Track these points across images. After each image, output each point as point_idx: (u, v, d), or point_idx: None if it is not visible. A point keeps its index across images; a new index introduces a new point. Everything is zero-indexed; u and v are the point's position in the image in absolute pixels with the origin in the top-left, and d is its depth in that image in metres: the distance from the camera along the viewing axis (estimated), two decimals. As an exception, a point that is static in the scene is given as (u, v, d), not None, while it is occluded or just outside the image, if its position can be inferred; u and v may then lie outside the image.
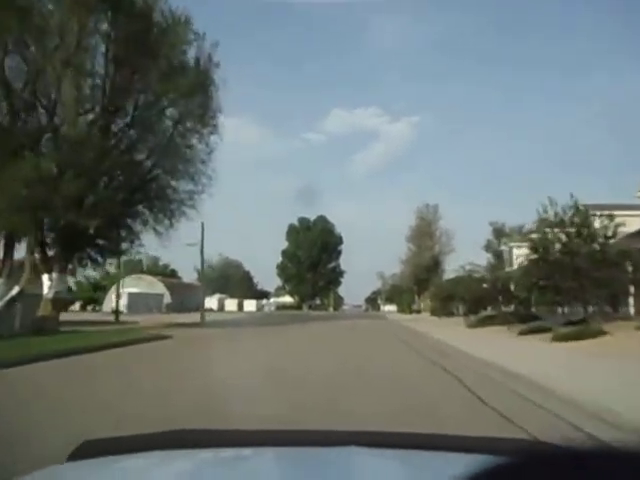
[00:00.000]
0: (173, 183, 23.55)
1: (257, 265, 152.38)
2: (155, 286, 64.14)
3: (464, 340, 16.71)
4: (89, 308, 64.30)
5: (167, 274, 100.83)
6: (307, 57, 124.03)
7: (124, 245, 22.92)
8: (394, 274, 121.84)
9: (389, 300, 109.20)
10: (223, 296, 73.76)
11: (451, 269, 57.16)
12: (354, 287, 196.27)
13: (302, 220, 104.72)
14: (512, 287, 25.83)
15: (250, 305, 73.61)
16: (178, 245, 27.35)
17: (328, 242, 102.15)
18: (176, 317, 37.49)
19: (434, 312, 45.49)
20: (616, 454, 0.48)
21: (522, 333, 18.06)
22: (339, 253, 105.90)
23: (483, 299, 27.73)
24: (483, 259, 38.38)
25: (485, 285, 26.48)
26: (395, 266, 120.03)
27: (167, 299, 62.22)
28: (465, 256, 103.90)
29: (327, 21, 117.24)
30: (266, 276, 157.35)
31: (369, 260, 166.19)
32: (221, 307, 71.06)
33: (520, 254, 26.33)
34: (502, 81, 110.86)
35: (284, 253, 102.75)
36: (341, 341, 18.32)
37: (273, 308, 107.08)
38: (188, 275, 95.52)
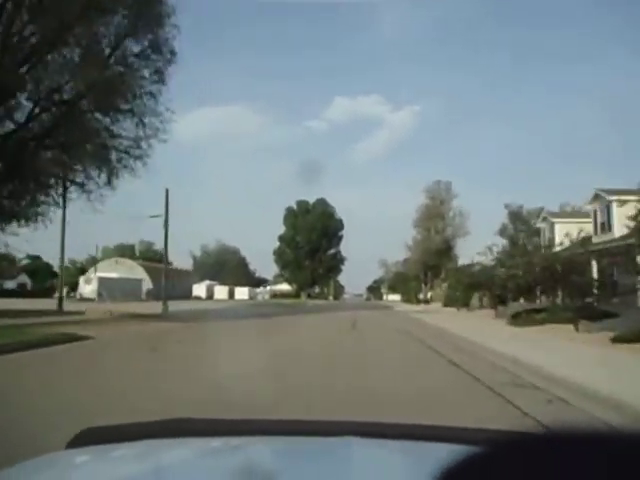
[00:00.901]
0: (109, 124, 16.97)
1: (255, 252, 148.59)
2: (135, 271, 57.86)
3: (561, 360, 9.12)
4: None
5: (157, 259, 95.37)
6: (309, 45, 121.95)
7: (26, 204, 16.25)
8: (397, 262, 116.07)
9: (392, 289, 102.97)
10: (212, 283, 67.35)
11: (466, 254, 50.96)
12: (355, 275, 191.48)
13: (300, 203, 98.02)
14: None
15: (242, 293, 67.08)
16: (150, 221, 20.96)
17: (328, 227, 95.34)
18: (146, 306, 31.69)
19: (449, 303, 39.22)
20: (598, 439, 0.48)
21: (620, 340, 11.57)
22: (340, 239, 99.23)
23: (529, 288, 21.30)
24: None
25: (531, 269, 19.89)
26: (399, 253, 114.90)
27: (149, 285, 55.91)
28: (477, 242, 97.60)
29: (329, 9, 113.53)
30: (264, 264, 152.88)
31: (371, 248, 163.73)
32: (210, 295, 64.79)
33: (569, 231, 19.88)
34: (503, 69, 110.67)
35: (281, 238, 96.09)
36: (340, 353, 11.79)
37: (267, 296, 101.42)
38: (186, 261, 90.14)
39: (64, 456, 1.11)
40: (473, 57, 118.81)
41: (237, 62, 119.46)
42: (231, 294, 66.56)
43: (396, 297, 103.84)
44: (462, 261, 44.80)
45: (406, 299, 68.72)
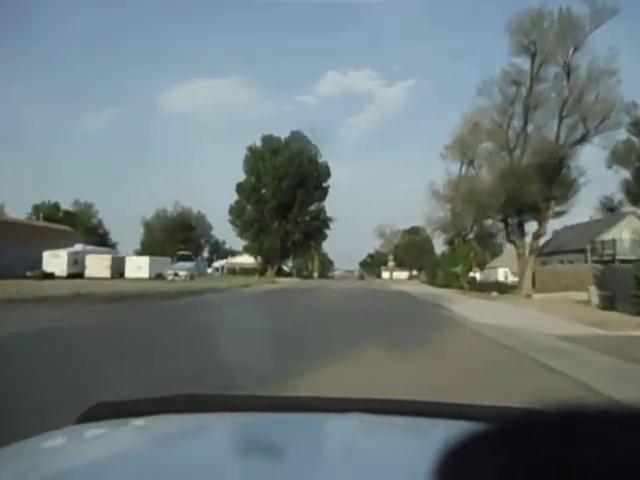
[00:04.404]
0: None
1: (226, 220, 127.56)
2: None
3: None
4: None
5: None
6: (301, 18, 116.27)
7: None
8: (398, 231, 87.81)
9: (400, 264, 73.83)
10: (84, 249, 37.67)
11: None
12: (346, 247, 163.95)
13: (267, 140, 68.26)
14: None
15: (138, 267, 37.24)
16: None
17: (307, 172, 66.07)
18: None
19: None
20: (607, 414, 0.49)
21: None
22: (325, 192, 69.81)
23: None
24: None
25: None
26: (399, 222, 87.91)
27: None
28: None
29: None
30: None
31: (363, 219, 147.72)
32: (79, 270, 35.52)
33: None
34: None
35: (240, 189, 66.87)
36: None
37: (220, 273, 72.66)
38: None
39: (74, 431, 1.11)
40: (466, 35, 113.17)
41: (224, 34, 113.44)
42: (118, 268, 37.08)
43: (402, 275, 75.42)
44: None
45: (431, 280, 39.86)
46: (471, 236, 41.78)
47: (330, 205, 71.41)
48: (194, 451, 1.00)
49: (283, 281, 47.83)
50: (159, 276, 37.06)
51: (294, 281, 50.22)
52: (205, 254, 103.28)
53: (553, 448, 0.43)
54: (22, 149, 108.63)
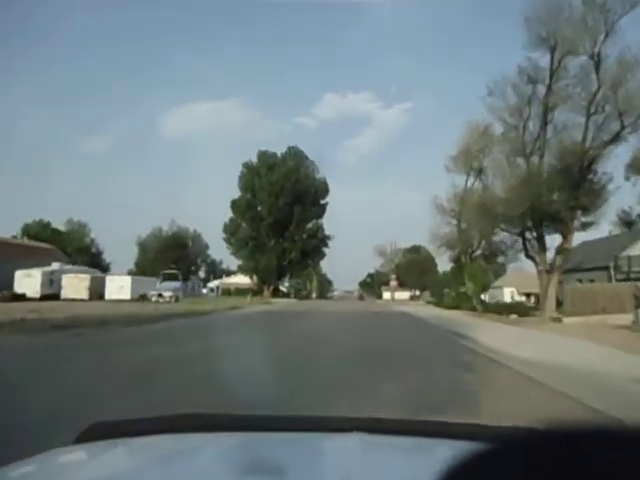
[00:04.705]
0: None
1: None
2: None
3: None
4: None
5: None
6: (299, 40, 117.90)
7: None
8: (399, 250, 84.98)
9: (401, 284, 70.58)
10: (62, 268, 34.66)
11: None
12: (345, 267, 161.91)
13: (263, 155, 65.84)
14: None
15: (120, 288, 33.99)
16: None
17: (305, 188, 63.52)
18: None
19: None
20: (608, 434, 0.48)
21: None
22: (322, 209, 67.19)
23: None
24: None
25: None
26: (399, 240, 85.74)
27: None
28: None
29: (319, 5, 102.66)
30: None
31: (363, 239, 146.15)
32: (54, 291, 32.47)
33: None
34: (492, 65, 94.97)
35: (234, 205, 64.16)
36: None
37: (215, 293, 69.71)
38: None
39: (73, 450, 1.11)
40: (464, 52, 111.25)
41: (224, 57, 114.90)
42: (98, 289, 33.98)
43: (404, 295, 72.28)
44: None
45: (439, 301, 36.86)
46: (479, 252, 38.95)
47: (329, 225, 68.69)
48: (191, 471, 1.00)
49: (278, 302, 44.81)
50: (143, 297, 34.04)
51: (290, 302, 47.20)
52: (202, 274, 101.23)
53: (554, 467, 0.43)
54: (15, 168, 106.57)
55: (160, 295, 33.94)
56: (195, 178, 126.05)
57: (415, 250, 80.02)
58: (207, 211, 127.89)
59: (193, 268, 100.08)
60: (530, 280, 33.60)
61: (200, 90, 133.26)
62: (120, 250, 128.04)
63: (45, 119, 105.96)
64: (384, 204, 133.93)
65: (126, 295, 33.94)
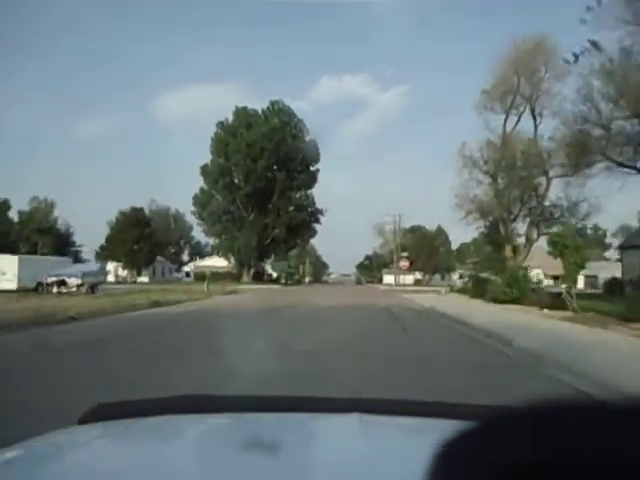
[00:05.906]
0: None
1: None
2: None
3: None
4: None
5: None
6: (295, 23, 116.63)
7: None
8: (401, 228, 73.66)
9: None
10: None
11: None
12: (341, 249, 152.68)
13: (240, 112, 53.83)
14: None
15: (42, 269, 22.61)
16: None
17: (290, 151, 51.92)
18: None
19: None
20: (596, 409, 0.49)
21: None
22: (313, 177, 55.63)
23: None
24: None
25: None
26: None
27: None
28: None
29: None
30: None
31: (360, 220, 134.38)
32: None
33: None
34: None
35: (205, 172, 52.39)
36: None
37: (192, 278, 58.79)
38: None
39: (75, 432, 1.11)
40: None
41: (218, 39, 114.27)
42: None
43: (406, 279, 61.26)
44: None
45: (474, 288, 25.71)
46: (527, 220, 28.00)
47: (323, 202, 57.48)
48: (193, 451, 1.03)
49: (250, 290, 33.68)
50: (41, 286, 22.82)
51: (268, 290, 35.90)
52: (185, 257, 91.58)
53: (543, 444, 0.43)
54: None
55: (63, 283, 22.72)
56: (185, 162, 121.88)
57: (415, 230, 70.10)
58: (192, 192, 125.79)
59: (173, 250, 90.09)
60: (555, 261, 22.73)
61: (195, 73, 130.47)
62: (97, 233, 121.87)
63: (34, 101, 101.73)
64: (382, 185, 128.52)
65: (11, 284, 22.65)
